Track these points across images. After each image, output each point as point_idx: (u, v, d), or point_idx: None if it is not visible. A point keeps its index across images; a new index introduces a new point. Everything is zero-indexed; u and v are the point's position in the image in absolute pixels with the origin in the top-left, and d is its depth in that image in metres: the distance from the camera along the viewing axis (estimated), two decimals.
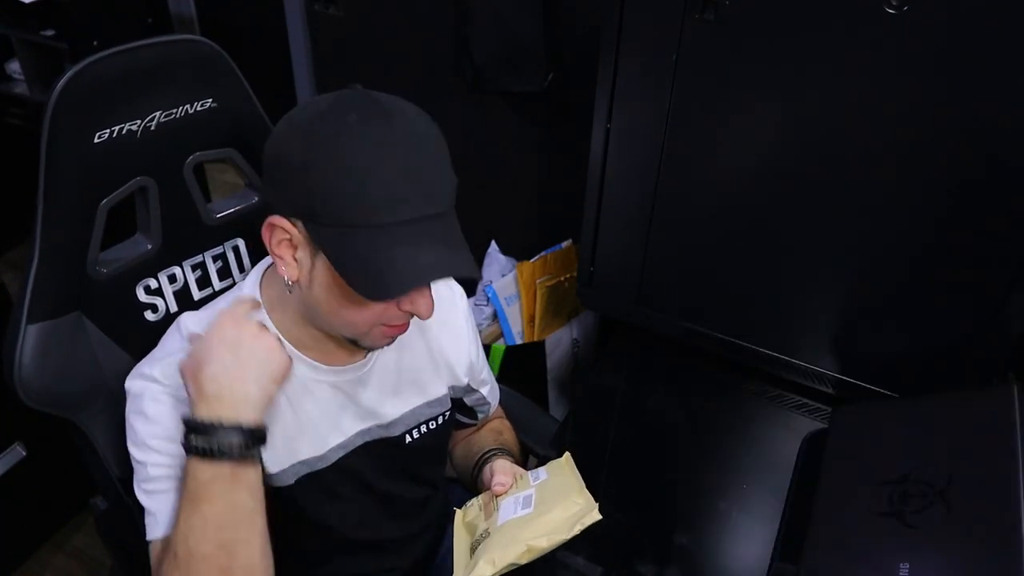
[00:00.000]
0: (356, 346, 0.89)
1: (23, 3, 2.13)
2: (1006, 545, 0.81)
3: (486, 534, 0.86)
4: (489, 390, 1.15)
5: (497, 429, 1.19)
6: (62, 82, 0.86)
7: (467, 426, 1.19)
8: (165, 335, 0.92)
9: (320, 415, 0.94)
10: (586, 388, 1.14)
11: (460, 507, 0.96)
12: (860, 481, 1.00)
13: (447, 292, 1.07)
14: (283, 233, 0.81)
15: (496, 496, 0.93)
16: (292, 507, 0.95)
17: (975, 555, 0.84)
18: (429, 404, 1.04)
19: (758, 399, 1.34)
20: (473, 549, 0.86)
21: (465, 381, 1.08)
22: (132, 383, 0.87)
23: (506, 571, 0.83)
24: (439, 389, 1.05)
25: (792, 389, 1.34)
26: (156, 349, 0.90)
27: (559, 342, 2.00)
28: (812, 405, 1.32)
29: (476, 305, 2.07)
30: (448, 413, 1.07)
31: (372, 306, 0.81)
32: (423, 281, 0.80)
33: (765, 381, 1.35)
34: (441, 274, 0.79)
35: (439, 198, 0.78)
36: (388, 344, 0.89)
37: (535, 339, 1.97)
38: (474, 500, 0.96)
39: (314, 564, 1.03)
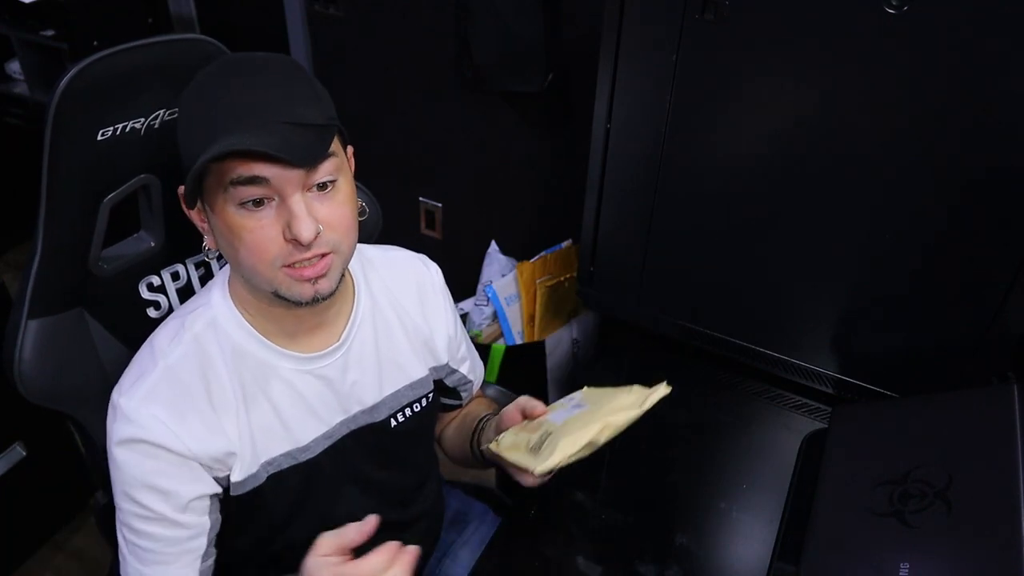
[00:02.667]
0: (282, 300, 0.84)
1: (23, 3, 2.13)
2: (1006, 545, 0.81)
3: (547, 435, 0.82)
4: (469, 367, 1.15)
5: (486, 404, 1.20)
6: (66, 79, 0.86)
7: (453, 408, 1.19)
8: (136, 356, 0.90)
9: (301, 407, 0.93)
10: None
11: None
12: (860, 481, 1.00)
13: (422, 269, 1.08)
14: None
15: (535, 417, 0.90)
16: (271, 505, 0.93)
17: (975, 555, 0.84)
18: (411, 386, 1.04)
19: (758, 399, 1.34)
20: (534, 451, 0.82)
21: (445, 359, 1.08)
22: (120, 428, 0.84)
23: (582, 454, 0.79)
24: (420, 371, 1.05)
25: (792, 389, 1.34)
26: (130, 369, 0.89)
27: (559, 342, 2.00)
28: (812, 405, 1.32)
29: (476, 305, 2.08)
30: (431, 395, 1.07)
31: (253, 239, 0.79)
32: (214, 152, 0.74)
33: (765, 381, 1.35)
34: (235, 147, 0.74)
35: (275, 111, 0.77)
36: (312, 294, 0.83)
37: (535, 339, 1.98)
38: (505, 432, 0.93)
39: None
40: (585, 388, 0.96)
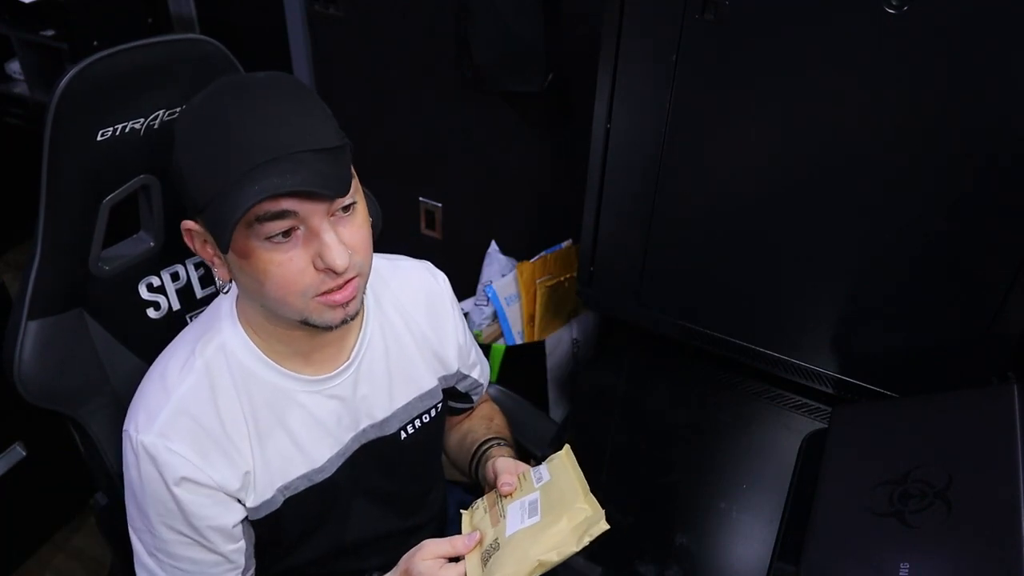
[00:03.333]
0: (310, 327, 0.83)
1: (23, 3, 2.13)
2: (1006, 545, 0.81)
3: (496, 545, 0.86)
4: (479, 371, 1.15)
5: (487, 415, 1.19)
6: (66, 79, 0.86)
7: (462, 411, 1.19)
8: (146, 383, 0.89)
9: (316, 428, 0.93)
10: (585, 387, 1.14)
11: (466, 508, 0.96)
12: (860, 481, 1.00)
13: (430, 279, 1.07)
14: (198, 235, 0.82)
15: (502, 497, 0.93)
16: (287, 527, 0.94)
17: (975, 555, 0.84)
18: (421, 397, 1.03)
19: (758, 399, 1.34)
20: (484, 560, 0.86)
21: (455, 367, 1.07)
22: (147, 467, 0.83)
23: None
24: (430, 381, 1.04)
25: (792, 389, 1.34)
26: (139, 402, 0.87)
27: (559, 342, 2.00)
28: (812, 405, 1.32)
29: (476, 305, 2.08)
30: (440, 405, 1.07)
31: (282, 273, 0.77)
32: (253, 200, 0.72)
33: (765, 381, 1.35)
34: (275, 190, 0.72)
35: (296, 139, 0.74)
36: (342, 317, 0.83)
37: (535, 339, 1.98)
38: (479, 501, 0.96)
39: (319, 568, 1.03)
40: (565, 450, 0.95)
